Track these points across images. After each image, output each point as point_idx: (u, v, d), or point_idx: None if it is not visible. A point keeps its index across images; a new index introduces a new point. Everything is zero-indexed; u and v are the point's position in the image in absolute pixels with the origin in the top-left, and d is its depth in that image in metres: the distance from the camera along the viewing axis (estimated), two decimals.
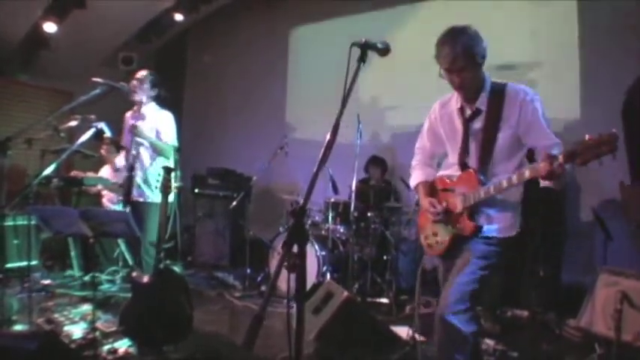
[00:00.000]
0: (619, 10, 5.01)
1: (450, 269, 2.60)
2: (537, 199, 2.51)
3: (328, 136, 1.81)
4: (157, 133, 4.33)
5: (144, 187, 4.33)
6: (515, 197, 2.52)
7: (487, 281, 2.48)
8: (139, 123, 4.26)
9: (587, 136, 1.91)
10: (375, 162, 6.14)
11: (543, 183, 2.26)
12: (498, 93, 2.46)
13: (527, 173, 2.17)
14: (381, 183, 6.04)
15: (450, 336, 2.42)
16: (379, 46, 2.04)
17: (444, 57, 2.40)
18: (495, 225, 2.47)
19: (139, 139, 4.30)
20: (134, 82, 4.36)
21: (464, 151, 2.56)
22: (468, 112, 2.56)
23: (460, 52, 2.35)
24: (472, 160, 2.53)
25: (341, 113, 1.87)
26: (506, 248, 2.50)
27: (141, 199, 4.34)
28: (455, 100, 2.64)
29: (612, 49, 5.04)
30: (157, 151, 4.27)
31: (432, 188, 2.76)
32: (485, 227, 2.46)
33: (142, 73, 4.43)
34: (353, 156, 5.17)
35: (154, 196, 4.25)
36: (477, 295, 2.44)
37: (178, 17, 7.58)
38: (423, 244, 2.84)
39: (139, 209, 4.27)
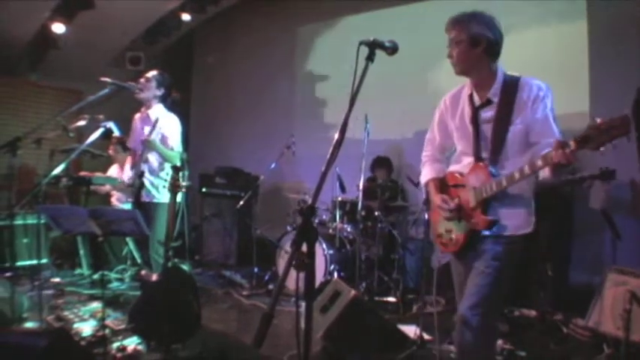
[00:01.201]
0: (627, 11, 4.98)
1: (467, 269, 2.56)
2: (545, 196, 2.48)
3: (337, 136, 1.80)
4: (163, 137, 4.32)
5: (152, 188, 4.35)
6: (527, 193, 2.47)
7: (508, 281, 2.46)
8: (147, 129, 4.27)
9: (598, 120, 1.88)
10: (380, 162, 6.13)
11: (542, 175, 2.24)
12: (511, 86, 2.43)
13: (539, 162, 2.11)
14: (387, 182, 6.04)
15: (471, 338, 2.38)
16: (387, 45, 2.04)
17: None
18: (508, 222, 2.43)
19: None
20: (141, 80, 4.38)
21: (477, 143, 2.52)
22: (477, 100, 2.53)
23: (454, 22, 2.49)
24: (483, 152, 2.49)
25: (349, 112, 1.86)
26: (521, 245, 2.46)
27: (147, 200, 4.36)
28: (466, 88, 2.63)
29: (621, 49, 5.03)
30: (165, 159, 4.28)
31: (442, 184, 2.72)
32: (502, 225, 2.42)
33: (151, 73, 4.44)
34: (360, 155, 5.18)
35: (161, 196, 4.29)
36: (497, 296, 2.42)
37: (185, 17, 7.60)
38: (436, 242, 2.78)
39: (147, 209, 4.29)
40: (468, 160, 2.57)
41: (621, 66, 5.02)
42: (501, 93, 2.45)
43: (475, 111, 2.53)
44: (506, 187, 2.32)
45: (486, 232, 2.45)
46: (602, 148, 1.90)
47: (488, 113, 2.49)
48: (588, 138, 1.91)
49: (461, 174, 2.61)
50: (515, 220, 2.44)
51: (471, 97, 2.57)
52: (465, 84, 2.65)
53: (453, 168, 2.72)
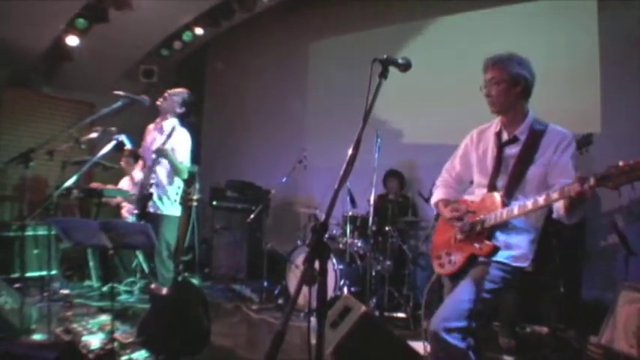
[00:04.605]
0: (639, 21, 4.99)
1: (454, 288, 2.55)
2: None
3: (350, 151, 1.80)
4: (172, 150, 4.35)
5: (157, 200, 4.35)
6: (533, 231, 2.47)
7: (489, 305, 2.42)
8: (159, 137, 4.30)
9: (620, 162, 1.88)
10: (393, 175, 6.14)
11: (558, 214, 2.25)
12: (539, 129, 2.48)
13: (555, 195, 2.09)
14: (399, 197, 6.02)
15: (444, 352, 2.31)
16: (400, 61, 2.06)
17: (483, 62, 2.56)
18: (511, 252, 2.42)
19: (159, 159, 4.34)
20: (169, 91, 4.50)
21: (495, 175, 2.55)
22: (505, 136, 2.57)
23: (494, 62, 2.52)
24: (499, 185, 2.51)
25: (362, 129, 1.85)
26: (516, 278, 2.44)
27: (152, 210, 4.37)
28: (494, 125, 2.66)
29: (633, 60, 5.03)
30: (175, 171, 4.29)
31: None
32: (500, 252, 2.41)
33: (180, 89, 4.60)
34: (371, 170, 5.17)
35: (166, 209, 4.31)
36: (476, 315, 2.34)
37: (199, 31, 7.67)
38: (434, 263, 2.78)
39: (152, 221, 4.28)
40: (483, 192, 2.59)
41: (633, 77, 5.02)
42: (528, 132, 2.49)
43: (501, 147, 2.57)
44: (517, 216, 2.32)
45: (484, 259, 2.45)
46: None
47: (513, 150, 2.53)
48: (608, 177, 1.91)
49: (472, 201, 2.62)
50: (516, 251, 2.43)
51: (498, 133, 2.61)
52: (493, 121, 2.69)
53: (466, 197, 2.74)
